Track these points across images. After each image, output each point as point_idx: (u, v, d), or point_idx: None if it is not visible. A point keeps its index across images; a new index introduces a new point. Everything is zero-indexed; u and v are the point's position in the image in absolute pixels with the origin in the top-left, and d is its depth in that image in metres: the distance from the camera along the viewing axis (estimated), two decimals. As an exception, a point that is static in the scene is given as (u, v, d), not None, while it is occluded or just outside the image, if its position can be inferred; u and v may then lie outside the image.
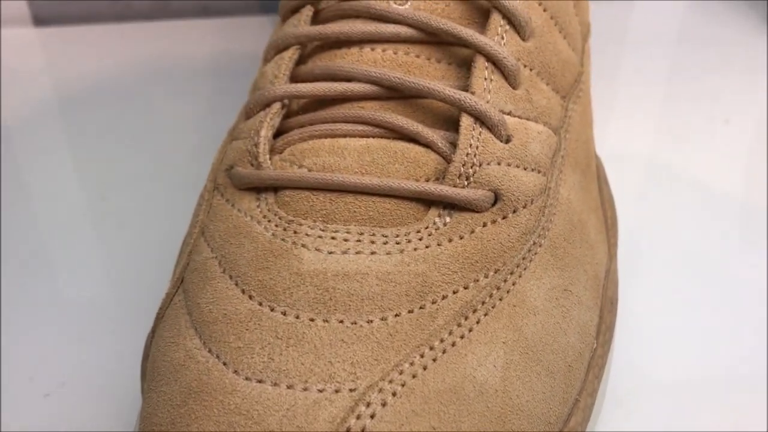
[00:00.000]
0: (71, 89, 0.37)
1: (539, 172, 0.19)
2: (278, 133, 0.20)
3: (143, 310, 0.24)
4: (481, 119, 0.18)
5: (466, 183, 0.18)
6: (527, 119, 0.20)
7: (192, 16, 0.42)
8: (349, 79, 0.19)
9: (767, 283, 0.25)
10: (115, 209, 0.29)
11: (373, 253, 0.17)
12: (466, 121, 0.18)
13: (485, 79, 0.19)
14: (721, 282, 0.25)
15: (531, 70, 0.20)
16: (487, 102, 0.19)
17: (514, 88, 0.19)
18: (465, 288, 0.17)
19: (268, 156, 0.19)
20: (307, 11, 0.21)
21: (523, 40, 0.20)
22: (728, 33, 0.39)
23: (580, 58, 0.22)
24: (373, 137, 0.19)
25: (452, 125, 0.19)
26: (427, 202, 0.18)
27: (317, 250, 0.17)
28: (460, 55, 0.20)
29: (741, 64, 0.37)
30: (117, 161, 0.32)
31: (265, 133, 0.19)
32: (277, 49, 0.20)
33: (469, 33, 0.19)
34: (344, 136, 0.19)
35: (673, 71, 0.37)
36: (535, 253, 0.18)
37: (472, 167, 0.18)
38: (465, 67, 0.20)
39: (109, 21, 0.41)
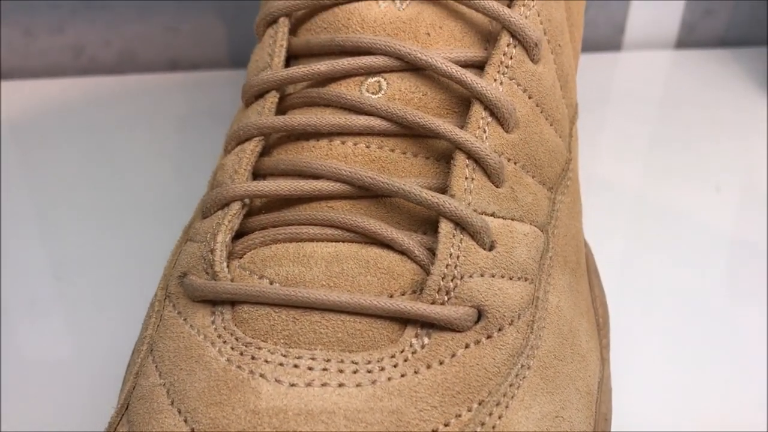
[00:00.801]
0: (32, 146, 0.34)
1: (526, 279, 0.17)
2: (238, 234, 0.18)
3: (95, 409, 0.22)
4: (461, 225, 0.17)
5: (446, 298, 0.16)
6: (512, 219, 0.18)
7: (159, 69, 0.40)
8: (317, 177, 0.18)
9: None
10: (69, 291, 0.27)
11: (341, 385, 0.15)
12: (445, 227, 0.17)
13: (466, 178, 0.17)
14: (718, 372, 0.24)
15: (515, 164, 0.18)
16: (468, 204, 0.17)
17: (497, 186, 0.18)
18: (445, 425, 0.15)
19: (225, 264, 0.17)
20: (272, 97, 0.19)
21: (507, 131, 0.18)
22: (719, 86, 0.38)
23: (567, 144, 0.21)
24: (343, 242, 0.17)
25: (430, 226, 0.17)
26: (403, 319, 0.16)
27: (277, 381, 0.15)
28: (438, 149, 0.18)
29: (733, 123, 0.36)
30: (76, 231, 0.30)
31: (223, 237, 0.17)
32: (238, 139, 0.19)
33: (449, 128, 0.17)
34: (311, 240, 0.17)
35: (660, 133, 0.35)
36: (524, 378, 0.16)
37: (452, 280, 0.16)
38: (443, 161, 0.18)
39: (72, 75, 0.39)
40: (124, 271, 0.28)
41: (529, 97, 0.19)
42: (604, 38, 0.41)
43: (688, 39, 0.42)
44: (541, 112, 0.19)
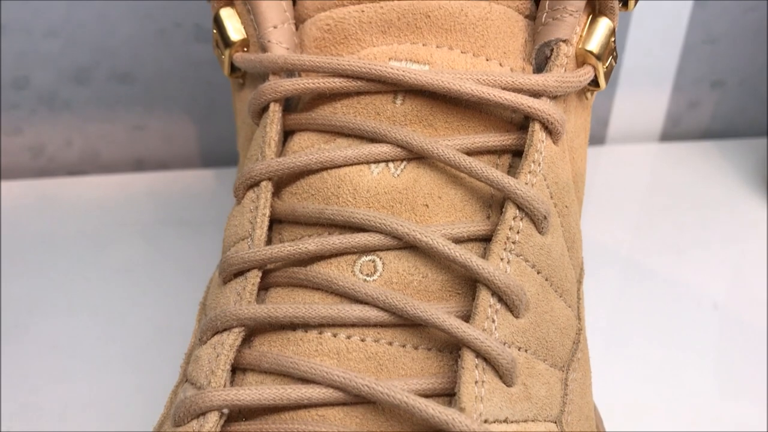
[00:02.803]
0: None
1: (544, 495, 0.15)
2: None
3: None
4: (473, 442, 0.15)
5: None
6: (526, 421, 0.16)
7: (124, 169, 0.38)
8: (305, 380, 0.16)
9: None
10: (40, 410, 0.25)
11: None
12: (455, 447, 0.15)
13: (476, 382, 0.15)
14: None
15: (526, 351, 0.17)
16: (480, 415, 0.15)
17: (509, 386, 0.16)
18: None
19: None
20: (254, 277, 0.17)
21: (517, 317, 0.17)
22: (706, 180, 0.37)
23: (576, 312, 0.19)
24: (337, 459, 0.15)
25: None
26: None
27: None
28: (440, 339, 0.16)
29: (720, 220, 0.34)
30: (27, 353, 0.27)
31: (198, 458, 0.15)
32: (215, 330, 0.16)
33: (455, 324, 0.15)
34: (300, 456, 0.15)
35: (646, 234, 0.34)
36: None
37: None
38: (447, 351, 0.16)
39: (29, 176, 0.37)
40: (81, 394, 0.26)
41: (538, 273, 0.17)
42: (588, 132, 0.40)
43: (673, 131, 0.41)
44: (551, 286, 0.18)
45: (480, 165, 0.17)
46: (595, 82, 0.19)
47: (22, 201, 0.35)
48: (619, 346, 0.28)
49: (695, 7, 0.37)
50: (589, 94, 0.20)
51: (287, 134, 0.19)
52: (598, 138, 0.41)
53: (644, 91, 0.40)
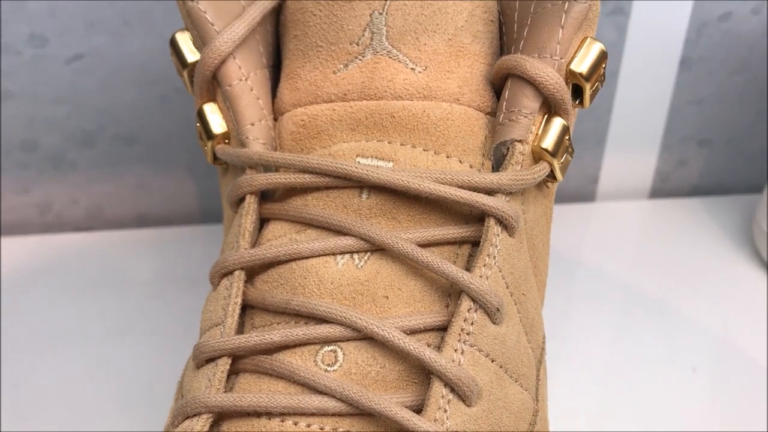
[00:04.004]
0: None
1: None
2: None
3: None
4: None
5: None
6: (476, 506, 0.17)
7: (128, 226, 0.39)
8: (267, 467, 0.17)
9: None
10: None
11: None
12: None
13: (425, 472, 0.16)
14: None
15: (478, 438, 0.18)
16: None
17: (459, 474, 0.17)
18: None
19: None
20: (224, 364, 0.18)
21: (469, 406, 0.18)
22: (694, 236, 0.38)
23: (534, 393, 0.20)
24: None
25: None
26: None
27: None
28: (395, 427, 0.17)
29: (707, 279, 0.35)
30: (28, 406, 0.28)
31: None
32: (185, 415, 0.18)
33: (406, 417, 0.17)
34: None
35: (634, 305, 0.34)
36: None
37: None
38: (402, 436, 0.17)
39: (37, 233, 0.38)
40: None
41: (492, 361, 0.18)
42: (578, 189, 0.41)
43: (661, 188, 0.42)
44: (506, 373, 0.19)
45: (436, 259, 0.18)
46: (552, 175, 0.20)
47: (29, 256, 0.37)
48: (602, 401, 0.29)
49: (681, 70, 0.38)
50: (549, 184, 0.21)
51: (263, 220, 0.21)
52: (588, 195, 0.42)
53: (633, 150, 0.41)
